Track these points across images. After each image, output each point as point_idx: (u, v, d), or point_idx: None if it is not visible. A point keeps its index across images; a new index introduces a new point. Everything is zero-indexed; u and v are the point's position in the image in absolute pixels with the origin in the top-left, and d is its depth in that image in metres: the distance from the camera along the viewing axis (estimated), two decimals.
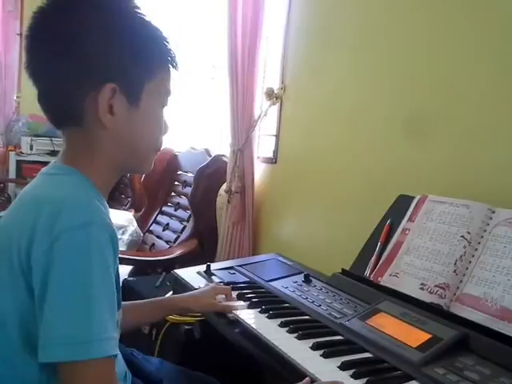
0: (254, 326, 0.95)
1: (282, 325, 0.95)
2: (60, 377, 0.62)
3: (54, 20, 0.68)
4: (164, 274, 1.76)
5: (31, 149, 3.51)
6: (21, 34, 3.80)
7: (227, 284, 1.17)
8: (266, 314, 1.00)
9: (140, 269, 2.02)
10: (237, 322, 1.00)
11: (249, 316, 1.00)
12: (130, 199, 2.88)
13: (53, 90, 0.70)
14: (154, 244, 2.39)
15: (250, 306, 1.06)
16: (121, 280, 0.92)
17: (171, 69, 0.76)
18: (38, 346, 0.61)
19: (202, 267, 1.30)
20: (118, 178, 0.81)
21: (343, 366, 0.79)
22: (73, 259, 0.62)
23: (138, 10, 0.71)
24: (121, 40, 0.68)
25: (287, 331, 0.92)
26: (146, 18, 0.72)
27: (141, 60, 0.70)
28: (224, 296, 1.09)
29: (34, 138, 3.52)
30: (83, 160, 0.72)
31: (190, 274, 1.28)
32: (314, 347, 0.85)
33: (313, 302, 1.08)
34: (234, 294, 1.11)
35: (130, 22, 0.70)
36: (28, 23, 0.69)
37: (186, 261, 1.82)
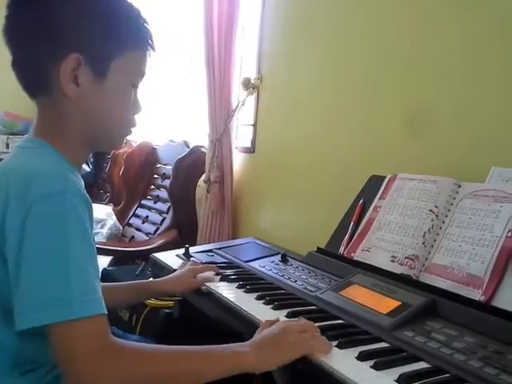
0: (231, 299, 0.97)
1: (258, 298, 0.97)
2: (50, 343, 0.61)
3: None
4: (144, 263, 1.76)
5: (7, 147, 3.46)
6: None
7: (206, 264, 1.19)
8: (243, 289, 1.02)
9: (119, 260, 2.03)
10: (214, 297, 1.02)
11: (226, 291, 1.02)
12: (108, 194, 2.88)
13: (25, 57, 0.72)
14: (133, 236, 2.40)
15: (227, 282, 1.08)
16: (100, 270, 0.91)
17: (149, 50, 0.77)
18: (13, 315, 0.61)
19: (181, 250, 1.32)
20: (90, 154, 0.82)
21: None
22: (48, 224, 0.62)
23: None
24: (94, 12, 0.70)
25: (263, 303, 0.95)
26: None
27: (111, 34, 0.72)
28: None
29: (10, 136, 3.47)
30: (53, 133, 0.73)
31: (169, 257, 1.30)
32: (289, 315, 0.88)
33: (289, 278, 1.11)
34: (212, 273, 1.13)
35: None
36: None
37: (166, 251, 1.84)
